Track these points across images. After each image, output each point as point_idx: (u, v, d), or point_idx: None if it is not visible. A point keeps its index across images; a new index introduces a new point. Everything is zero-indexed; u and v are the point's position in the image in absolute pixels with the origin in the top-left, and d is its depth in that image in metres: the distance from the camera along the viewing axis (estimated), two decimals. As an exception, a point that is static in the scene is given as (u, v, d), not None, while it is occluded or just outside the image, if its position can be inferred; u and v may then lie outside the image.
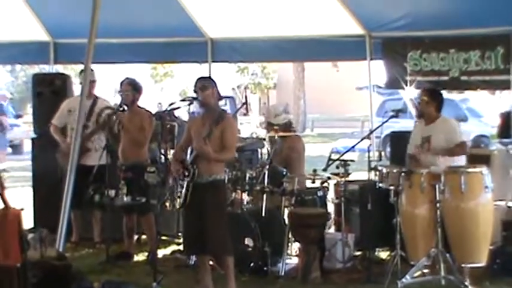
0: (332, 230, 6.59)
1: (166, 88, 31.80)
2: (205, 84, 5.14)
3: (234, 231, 5.44)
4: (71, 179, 5.45)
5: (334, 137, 20.94)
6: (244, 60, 15.95)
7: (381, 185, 5.71)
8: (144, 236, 6.97)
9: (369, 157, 5.93)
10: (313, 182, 6.43)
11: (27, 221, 6.23)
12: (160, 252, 6.63)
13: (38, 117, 7.71)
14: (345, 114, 27.29)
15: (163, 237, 7.08)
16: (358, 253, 6.25)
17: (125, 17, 8.49)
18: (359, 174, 6.97)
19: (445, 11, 7.36)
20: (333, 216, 6.52)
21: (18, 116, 21.56)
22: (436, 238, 5.31)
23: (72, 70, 21.59)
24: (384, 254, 6.35)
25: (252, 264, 5.82)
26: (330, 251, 6.02)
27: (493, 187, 5.36)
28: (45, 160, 7.30)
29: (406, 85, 7.74)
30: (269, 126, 6.79)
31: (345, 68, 24.43)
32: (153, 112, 6.98)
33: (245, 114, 23.22)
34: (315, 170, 6.42)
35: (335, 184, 6.47)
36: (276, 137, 6.63)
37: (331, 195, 6.54)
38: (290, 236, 6.03)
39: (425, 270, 5.49)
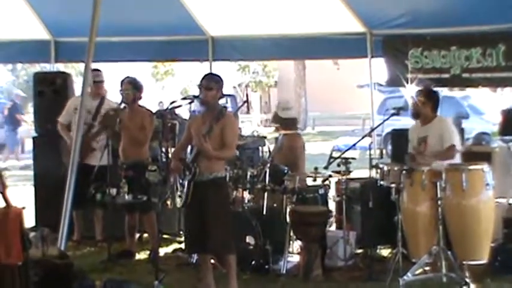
0: (333, 228, 6.60)
1: (167, 87, 31.81)
2: (210, 84, 5.10)
3: (236, 229, 5.44)
4: (72, 178, 5.46)
5: (335, 135, 20.94)
6: (245, 58, 15.90)
7: (382, 182, 5.71)
8: (145, 235, 6.98)
9: (370, 155, 5.93)
10: (315, 180, 6.43)
11: (29, 220, 6.24)
12: (162, 251, 6.63)
13: (39, 116, 7.71)
14: (346, 112, 27.29)
15: (165, 236, 7.09)
16: (360, 251, 6.25)
17: (126, 15, 8.49)
18: (360, 172, 6.97)
19: (446, 8, 7.35)
20: (334, 214, 6.52)
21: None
22: (438, 235, 5.31)
23: (73, 69, 21.61)
24: (385, 252, 6.35)
25: (253, 263, 5.82)
26: (332, 249, 6.02)
27: (494, 184, 5.35)
28: (46, 159, 7.31)
29: (407, 83, 7.73)
30: (275, 118, 6.81)
31: (346, 65, 24.38)
32: (154, 111, 7.00)
33: (247, 112, 23.30)
34: (316, 168, 6.43)
35: (336, 182, 6.47)
36: (278, 134, 6.65)
37: (332, 193, 6.53)
38: (291, 234, 6.03)
39: (427, 268, 5.48)
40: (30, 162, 8.00)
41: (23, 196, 7.65)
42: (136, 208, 6.39)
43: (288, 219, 6.07)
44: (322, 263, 5.85)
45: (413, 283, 5.30)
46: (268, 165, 6.19)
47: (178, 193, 5.16)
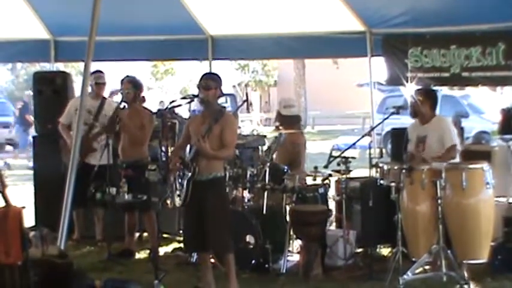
0: (333, 227, 6.60)
1: (167, 86, 31.78)
2: (209, 83, 5.10)
3: (235, 228, 5.44)
4: (72, 177, 5.45)
5: (335, 134, 20.95)
6: (245, 57, 15.93)
7: (382, 181, 5.71)
8: (145, 234, 6.98)
9: (370, 154, 5.92)
10: (314, 179, 6.43)
11: (29, 219, 6.24)
12: (162, 250, 6.63)
13: (38, 116, 7.71)
14: (346, 111, 27.27)
15: (165, 235, 7.09)
16: (360, 250, 6.24)
17: (125, 14, 8.48)
18: (360, 171, 6.97)
19: (445, 7, 7.34)
20: (334, 213, 6.52)
21: (18, 114, 21.55)
22: (437, 235, 5.31)
23: (72, 68, 21.61)
24: (385, 251, 6.35)
25: (253, 262, 5.82)
26: (331, 248, 6.02)
27: (494, 183, 5.35)
28: (46, 158, 7.31)
29: (407, 82, 7.73)
30: (278, 116, 6.80)
31: (346, 64, 24.39)
32: (154, 110, 7.00)
33: (250, 111, 23.32)
34: (316, 167, 6.43)
35: (336, 181, 6.47)
36: (278, 134, 6.65)
37: (332, 192, 6.53)
38: (291, 233, 6.03)
39: (427, 267, 5.49)
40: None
41: (23, 195, 7.66)
42: (136, 207, 6.39)
43: (287, 219, 6.07)
44: (322, 262, 5.85)
45: (413, 282, 5.30)
46: (268, 164, 6.19)
47: (177, 192, 5.14)
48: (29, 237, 4.88)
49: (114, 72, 10.29)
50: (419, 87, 6.84)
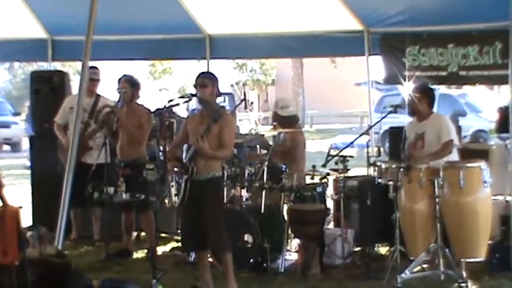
0: (331, 225, 6.60)
1: (164, 85, 31.75)
2: (205, 81, 5.10)
3: (233, 227, 5.44)
4: (69, 177, 5.45)
5: (333, 133, 20.95)
6: (243, 56, 15.92)
7: (380, 180, 5.71)
8: (143, 233, 6.97)
9: (367, 153, 5.93)
10: (312, 178, 6.44)
11: (26, 219, 6.22)
12: (160, 249, 6.64)
13: (36, 115, 7.70)
14: (344, 110, 27.29)
15: (163, 235, 7.09)
16: (358, 249, 6.25)
17: (123, 13, 8.47)
18: (358, 170, 6.98)
19: (443, 6, 7.34)
20: (332, 212, 6.52)
21: (16, 114, 21.56)
22: (435, 233, 5.31)
23: (70, 67, 21.57)
24: (383, 250, 6.36)
25: (251, 261, 5.82)
26: (330, 247, 6.02)
27: (491, 182, 5.36)
28: (43, 158, 7.30)
29: (405, 80, 7.73)
30: (275, 117, 6.78)
31: (344, 63, 24.39)
32: (152, 109, 6.98)
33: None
34: (314, 166, 6.43)
35: (334, 180, 6.47)
36: (277, 133, 6.65)
37: (330, 191, 6.54)
38: (289, 232, 6.03)
39: (425, 266, 5.49)
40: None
41: (20, 195, 7.65)
42: (134, 206, 6.38)
43: (286, 218, 6.07)
44: (320, 261, 5.85)
45: (411, 281, 5.30)
46: (266, 163, 6.19)
47: (175, 192, 5.14)
48: (27, 237, 4.87)
49: (111, 72, 10.27)
50: (417, 84, 6.84)
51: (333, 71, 26.84)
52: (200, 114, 5.25)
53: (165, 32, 8.75)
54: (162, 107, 5.73)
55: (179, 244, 6.50)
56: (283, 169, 6.34)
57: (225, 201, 5.82)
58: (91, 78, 6.82)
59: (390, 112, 6.03)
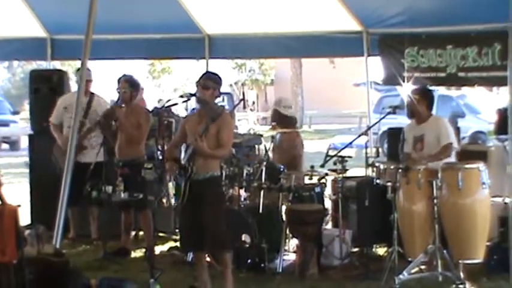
0: (329, 226, 6.60)
1: (163, 84, 31.77)
2: (207, 83, 5.08)
3: (232, 227, 5.43)
4: (67, 176, 5.44)
5: (332, 133, 20.97)
6: (242, 56, 15.93)
7: (378, 181, 5.71)
8: (141, 233, 6.97)
9: (366, 153, 5.93)
10: (311, 178, 6.43)
11: (24, 218, 6.22)
12: (158, 249, 6.63)
13: (35, 114, 7.70)
14: (343, 111, 27.31)
15: (161, 234, 7.09)
16: (356, 249, 6.25)
17: (122, 13, 8.46)
18: (356, 171, 6.98)
19: (442, 7, 7.34)
20: (330, 212, 6.52)
21: (15, 113, 21.55)
22: (434, 234, 5.31)
23: (69, 66, 21.56)
24: (381, 251, 6.36)
25: (249, 261, 5.82)
26: (327, 248, 6.02)
27: (490, 183, 5.36)
28: (42, 156, 7.29)
29: (404, 81, 7.73)
30: (275, 115, 6.75)
31: (342, 64, 24.40)
32: (151, 109, 6.99)
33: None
34: (312, 166, 6.43)
35: (332, 180, 6.47)
36: (275, 133, 6.65)
37: (328, 191, 6.53)
38: (287, 232, 6.03)
39: (423, 267, 5.49)
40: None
41: (18, 194, 7.64)
42: (132, 206, 6.38)
43: (284, 218, 6.07)
44: (318, 261, 5.85)
45: (409, 282, 5.31)
46: (265, 163, 6.19)
47: (173, 191, 5.14)
48: (25, 236, 4.87)
49: (111, 71, 10.26)
50: (416, 86, 6.85)
51: (332, 72, 26.87)
52: (198, 113, 5.24)
53: (164, 32, 8.75)
54: (160, 106, 5.74)
55: (177, 244, 6.50)
56: (282, 169, 6.34)
57: (224, 200, 5.82)
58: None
59: (389, 113, 6.03)
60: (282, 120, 6.70)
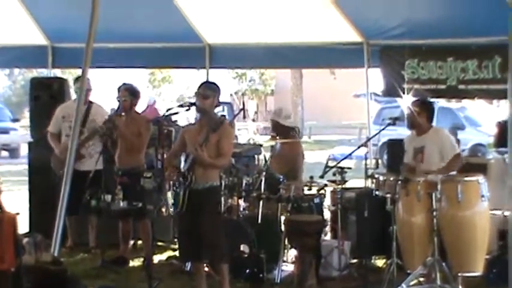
0: (328, 237, 6.58)
1: (164, 93, 31.79)
2: (207, 93, 5.10)
3: (230, 237, 5.43)
4: (66, 184, 5.44)
5: (332, 144, 20.96)
6: (242, 66, 15.95)
7: (377, 192, 5.70)
8: (139, 242, 6.95)
9: (365, 165, 5.92)
10: (310, 189, 6.42)
11: (23, 226, 6.21)
12: (156, 258, 6.60)
13: (35, 121, 7.70)
14: (342, 122, 27.32)
15: (159, 243, 7.07)
16: (354, 261, 6.23)
17: (123, 22, 8.50)
18: (356, 182, 6.97)
19: (442, 19, 7.37)
20: (329, 223, 6.50)
21: (15, 120, 21.54)
22: (433, 247, 5.29)
23: (70, 74, 21.58)
24: (380, 262, 6.34)
25: (247, 271, 5.80)
26: (326, 259, 6.01)
27: (489, 196, 5.35)
28: (41, 164, 7.28)
29: (404, 93, 7.75)
30: (275, 126, 6.74)
31: (343, 75, 24.45)
32: (151, 117, 6.99)
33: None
34: (311, 177, 6.41)
35: (332, 191, 6.46)
36: (275, 143, 6.65)
37: (327, 202, 6.52)
38: (286, 242, 6.02)
39: (422, 279, 5.47)
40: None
41: (17, 201, 7.62)
42: (131, 215, 6.37)
43: (282, 228, 6.06)
44: (316, 272, 5.83)
45: (408, 294, 5.28)
46: (264, 173, 6.18)
47: (172, 200, 5.14)
48: (23, 244, 4.86)
49: (111, 80, 10.28)
50: (416, 98, 6.85)
51: (332, 82, 26.88)
52: (199, 123, 5.25)
53: (165, 41, 8.78)
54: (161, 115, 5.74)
55: (176, 253, 6.49)
56: (281, 179, 6.33)
57: (222, 210, 5.81)
58: None
59: (389, 124, 6.03)
60: (282, 130, 6.69)
